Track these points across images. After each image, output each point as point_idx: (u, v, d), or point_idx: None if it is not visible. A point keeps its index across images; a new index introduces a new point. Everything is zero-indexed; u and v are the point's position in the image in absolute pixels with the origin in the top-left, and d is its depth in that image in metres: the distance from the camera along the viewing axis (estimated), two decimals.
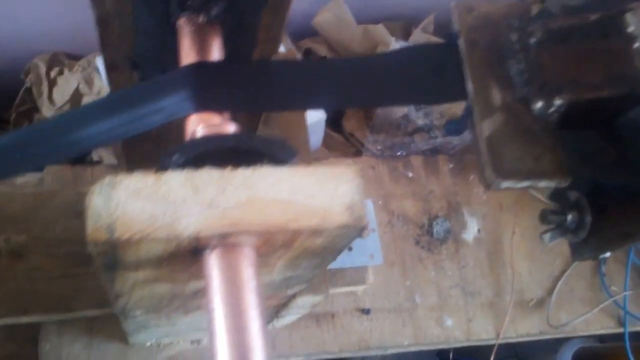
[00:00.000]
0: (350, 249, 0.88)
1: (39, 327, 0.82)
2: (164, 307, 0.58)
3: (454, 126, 1.50)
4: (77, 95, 1.53)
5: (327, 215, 0.38)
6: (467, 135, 1.43)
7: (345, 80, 0.49)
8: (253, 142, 0.40)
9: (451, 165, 1.05)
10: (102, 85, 1.51)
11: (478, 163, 0.47)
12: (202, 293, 0.53)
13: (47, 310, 0.78)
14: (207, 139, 0.42)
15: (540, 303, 0.99)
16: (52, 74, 1.54)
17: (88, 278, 0.80)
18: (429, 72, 0.52)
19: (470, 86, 0.49)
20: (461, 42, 0.52)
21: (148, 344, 0.82)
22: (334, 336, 0.90)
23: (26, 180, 0.89)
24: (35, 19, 1.51)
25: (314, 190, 0.38)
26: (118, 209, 0.35)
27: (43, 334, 0.81)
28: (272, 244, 0.40)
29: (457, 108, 1.50)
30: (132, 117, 0.51)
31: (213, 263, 0.39)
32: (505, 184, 0.46)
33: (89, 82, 1.52)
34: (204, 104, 0.46)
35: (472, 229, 1.01)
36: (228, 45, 0.52)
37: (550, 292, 0.99)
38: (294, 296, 0.62)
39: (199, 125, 0.45)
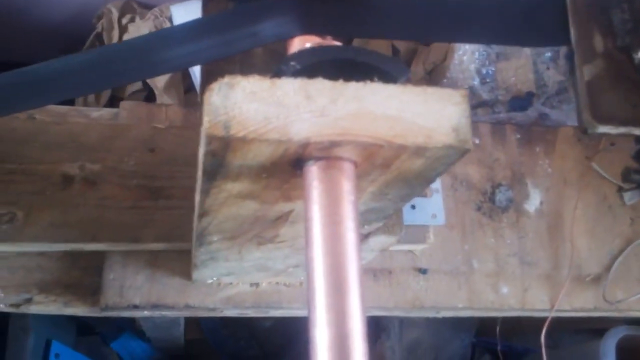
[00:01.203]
0: (413, 207, 0.88)
1: (103, 257, 0.84)
2: (242, 233, 0.59)
3: (519, 103, 1.49)
4: None
5: (433, 134, 0.38)
6: (531, 113, 1.42)
7: (450, 12, 0.49)
8: (368, 55, 0.41)
9: (518, 136, 1.04)
10: None
11: (577, 106, 0.47)
12: (284, 219, 0.54)
13: (115, 239, 0.81)
14: (324, 48, 0.43)
15: (597, 279, 0.98)
16: (124, 20, 1.57)
17: (156, 212, 0.82)
18: (533, 14, 0.51)
19: (573, 31, 0.49)
20: None
21: (209, 281, 0.84)
22: (390, 292, 0.90)
23: (101, 113, 0.91)
24: None
25: (422, 109, 0.38)
26: (235, 108, 0.36)
27: (108, 264, 0.83)
28: (372, 162, 0.41)
29: (522, 85, 1.48)
30: (238, 35, 0.52)
31: (314, 174, 0.40)
32: (602, 128, 0.46)
33: None
34: (308, 27, 0.47)
35: (534, 201, 1.00)
36: None
37: (607, 269, 0.98)
38: (367, 236, 0.63)
39: (306, 43, 0.45)
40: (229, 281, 0.85)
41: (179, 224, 0.83)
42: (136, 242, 0.81)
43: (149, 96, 1.59)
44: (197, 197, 0.48)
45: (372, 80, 0.38)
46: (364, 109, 0.38)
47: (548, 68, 1.49)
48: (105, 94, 1.65)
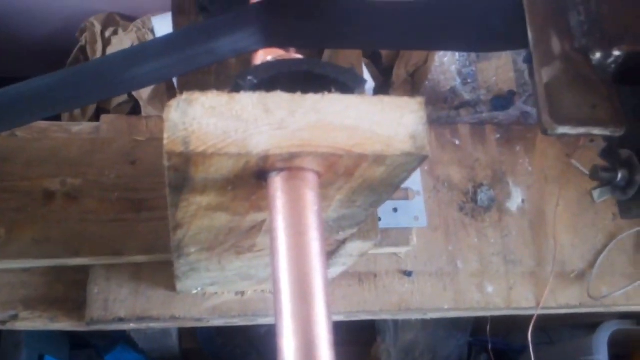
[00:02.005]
0: (395, 210, 0.89)
1: (87, 270, 0.85)
2: (219, 244, 0.59)
3: (500, 102, 1.50)
4: None
5: (391, 142, 0.39)
6: (513, 111, 1.43)
7: (408, 19, 0.50)
8: (324, 67, 0.42)
9: (498, 135, 1.05)
10: None
11: (536, 108, 0.48)
12: (257, 229, 0.55)
13: (98, 253, 0.81)
14: (280, 62, 0.43)
15: (581, 276, 0.99)
16: (107, 33, 1.58)
17: (139, 224, 0.83)
18: (490, 18, 0.52)
19: (531, 34, 0.50)
20: None
21: (194, 291, 0.85)
22: (375, 296, 0.91)
23: (82, 128, 0.92)
24: None
25: (380, 119, 0.39)
26: (194, 124, 0.37)
27: (92, 278, 0.84)
28: (334, 171, 0.41)
29: (503, 84, 1.49)
30: (198, 51, 0.53)
31: (277, 185, 0.40)
32: (562, 129, 0.47)
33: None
34: (272, 39, 0.48)
35: (516, 199, 1.01)
36: None
37: (591, 265, 0.99)
38: (343, 242, 0.63)
39: (268, 56, 0.46)
40: (213, 291, 0.86)
41: (162, 235, 0.83)
42: (119, 255, 0.81)
43: (135, 107, 1.60)
44: (169, 211, 0.49)
45: (329, 91, 0.39)
46: (323, 120, 0.38)
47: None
48: (91, 108, 1.65)
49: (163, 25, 1.45)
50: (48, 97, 0.57)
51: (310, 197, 0.40)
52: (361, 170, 0.41)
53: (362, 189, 0.45)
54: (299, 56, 0.46)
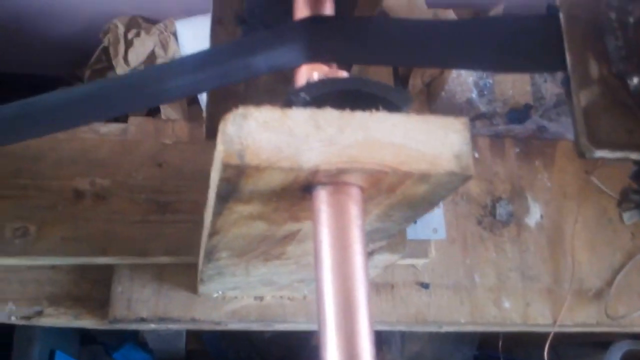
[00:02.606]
0: (414, 221, 0.90)
1: (111, 270, 0.86)
2: (250, 250, 0.61)
3: (517, 115, 1.50)
4: (151, 57, 1.58)
5: (437, 161, 0.40)
6: (529, 125, 1.43)
7: (447, 40, 0.51)
8: (373, 86, 0.43)
9: (517, 150, 1.06)
10: (176, 49, 1.55)
11: (574, 131, 0.49)
12: (291, 238, 0.56)
13: (124, 253, 0.82)
14: (331, 80, 0.45)
15: (599, 294, 0.99)
16: (130, 35, 1.60)
17: (164, 226, 0.84)
18: (528, 41, 0.53)
19: (569, 58, 0.51)
20: (561, 16, 0.53)
21: (215, 295, 0.86)
22: (392, 307, 0.92)
23: (110, 129, 0.93)
24: None
25: (425, 137, 0.40)
26: (248, 138, 0.38)
27: (116, 277, 0.85)
28: (378, 187, 0.42)
29: (520, 97, 1.50)
30: (237, 66, 0.54)
31: (323, 199, 0.42)
32: (599, 153, 0.48)
33: (164, 45, 1.56)
34: (315, 55, 0.49)
35: (534, 214, 1.02)
36: (335, 4, 0.55)
37: (609, 284, 1.00)
38: (372, 253, 0.64)
39: (313, 72, 0.47)
40: (233, 295, 0.87)
41: (186, 237, 0.84)
42: (144, 255, 0.83)
43: (154, 108, 1.61)
44: (209, 218, 0.50)
45: (377, 109, 0.40)
46: (371, 137, 0.39)
47: (545, 81, 1.50)
48: None
49: (186, 29, 1.46)
50: (90, 105, 0.59)
51: (354, 212, 0.41)
52: (404, 187, 0.42)
53: (400, 204, 0.46)
54: (343, 72, 0.47)
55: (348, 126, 0.39)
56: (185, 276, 0.86)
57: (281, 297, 0.88)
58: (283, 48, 0.51)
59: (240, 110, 0.39)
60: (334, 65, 0.50)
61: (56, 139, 0.86)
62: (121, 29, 1.62)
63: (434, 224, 0.92)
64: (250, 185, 0.41)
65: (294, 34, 0.50)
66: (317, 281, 0.41)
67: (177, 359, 1.79)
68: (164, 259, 0.84)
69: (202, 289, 0.81)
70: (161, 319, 0.84)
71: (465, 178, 0.41)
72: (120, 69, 1.61)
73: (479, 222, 1.00)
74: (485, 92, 1.47)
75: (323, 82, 0.44)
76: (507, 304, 0.96)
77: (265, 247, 0.60)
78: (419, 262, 0.93)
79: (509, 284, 0.97)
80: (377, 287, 0.92)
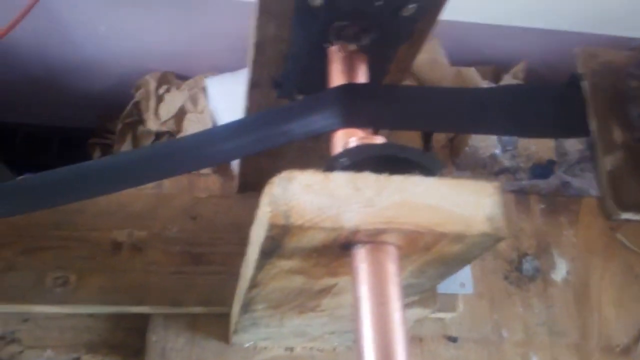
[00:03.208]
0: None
1: (146, 318, 0.88)
2: (287, 302, 0.63)
3: (540, 170, 1.52)
4: (181, 112, 1.63)
5: (471, 222, 0.42)
6: (553, 180, 1.45)
7: (474, 107, 0.54)
8: (408, 151, 0.46)
9: (542, 206, 1.08)
10: (205, 105, 1.61)
11: (600, 194, 0.51)
12: (327, 291, 0.58)
13: (160, 302, 0.85)
14: (370, 147, 0.48)
15: (626, 350, 0.99)
16: (161, 90, 1.66)
17: (198, 277, 0.87)
18: (552, 109, 0.56)
19: (594, 124, 0.53)
20: (585, 84, 0.56)
21: (246, 345, 0.87)
22: None
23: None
24: (151, 39, 1.63)
25: (459, 200, 0.43)
26: (293, 199, 0.41)
27: (151, 326, 0.87)
28: (414, 246, 0.45)
29: (543, 153, 1.52)
30: (275, 132, 0.58)
31: (362, 257, 0.44)
32: (625, 215, 0.50)
33: (194, 101, 1.62)
34: (351, 121, 0.52)
35: (561, 270, 1.03)
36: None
37: (636, 340, 1.00)
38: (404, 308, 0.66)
39: (350, 137, 0.50)
40: (264, 345, 0.88)
41: (219, 288, 0.87)
42: (179, 305, 0.85)
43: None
44: (250, 272, 0.53)
45: (412, 173, 0.43)
46: (407, 199, 0.42)
47: None
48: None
49: (215, 86, 1.52)
50: (141, 169, 0.63)
51: (391, 269, 0.44)
52: (439, 246, 0.44)
53: (435, 262, 0.48)
54: (378, 137, 0.50)
55: (385, 189, 0.42)
56: (218, 326, 0.88)
57: (311, 348, 0.90)
58: (320, 114, 0.54)
59: (285, 174, 0.42)
60: (368, 130, 0.53)
61: None
62: (153, 85, 1.68)
63: (461, 279, 0.93)
64: (294, 243, 0.44)
65: (331, 100, 0.53)
66: (356, 336, 0.43)
67: None
68: (198, 309, 0.86)
69: (234, 338, 0.83)
70: None
71: (498, 239, 0.43)
72: (152, 122, 1.67)
73: (506, 277, 1.02)
74: (509, 148, 1.49)
75: (361, 148, 0.47)
76: (534, 359, 0.97)
77: (302, 300, 0.62)
78: (447, 315, 0.94)
79: (537, 339, 0.98)
80: None
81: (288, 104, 0.60)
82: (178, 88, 1.64)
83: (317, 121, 0.54)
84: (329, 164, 0.47)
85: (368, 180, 0.42)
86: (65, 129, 2.02)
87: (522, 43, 1.49)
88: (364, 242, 0.44)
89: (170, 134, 1.69)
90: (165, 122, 1.64)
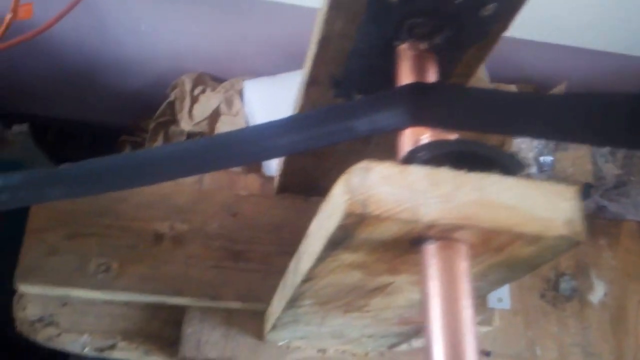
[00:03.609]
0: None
1: (183, 311, 0.88)
2: (336, 300, 0.63)
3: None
4: (215, 113, 1.64)
5: (549, 224, 0.42)
6: (589, 204, 1.43)
7: (542, 112, 0.53)
8: (489, 150, 0.45)
9: None
10: (240, 108, 1.61)
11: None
12: (380, 290, 0.58)
13: (198, 295, 0.85)
14: (450, 142, 0.47)
15: None
16: (196, 91, 1.67)
17: (236, 273, 0.87)
18: (616, 118, 0.55)
19: None
20: None
21: (280, 343, 0.87)
22: None
23: (187, 179, 0.97)
24: (189, 40, 1.64)
25: (538, 202, 0.42)
26: (371, 189, 0.41)
27: (187, 318, 0.87)
28: (486, 245, 0.44)
29: (580, 176, 1.50)
30: (338, 128, 0.58)
31: (433, 253, 0.44)
32: None
33: (229, 104, 1.63)
34: (420, 119, 0.52)
35: (598, 292, 1.02)
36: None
37: None
38: None
39: (420, 135, 0.50)
40: (298, 345, 0.88)
41: (256, 286, 0.87)
42: (217, 299, 0.85)
43: None
44: (308, 264, 0.52)
45: (491, 172, 0.43)
46: (485, 197, 0.42)
47: (607, 161, 1.52)
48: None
49: (253, 90, 1.53)
50: (194, 160, 0.63)
51: (462, 267, 0.43)
52: (512, 247, 0.44)
53: (501, 265, 0.48)
54: (449, 135, 0.50)
55: (464, 185, 0.42)
56: (253, 323, 0.88)
57: (344, 352, 0.89)
58: (387, 112, 0.54)
59: (364, 164, 0.42)
60: (437, 129, 0.52)
61: None
62: (188, 85, 1.69)
63: (499, 293, 0.92)
64: (365, 235, 0.44)
65: (400, 98, 0.53)
66: (426, 332, 0.43)
67: None
68: (235, 304, 0.86)
69: (269, 336, 0.83)
70: None
71: (574, 243, 0.43)
72: (185, 123, 1.68)
73: (542, 296, 1.01)
74: (545, 169, 1.49)
75: (441, 143, 0.47)
76: None
77: (352, 298, 0.62)
78: (483, 329, 0.93)
79: (571, 359, 0.97)
80: None
81: (352, 101, 0.60)
82: (213, 90, 1.65)
83: (383, 119, 0.54)
84: (406, 157, 0.47)
85: (446, 175, 0.42)
86: (96, 125, 2.04)
87: (565, 62, 1.49)
88: (436, 239, 0.44)
89: (203, 135, 1.69)
90: (198, 123, 1.65)
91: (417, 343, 0.80)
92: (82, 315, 0.88)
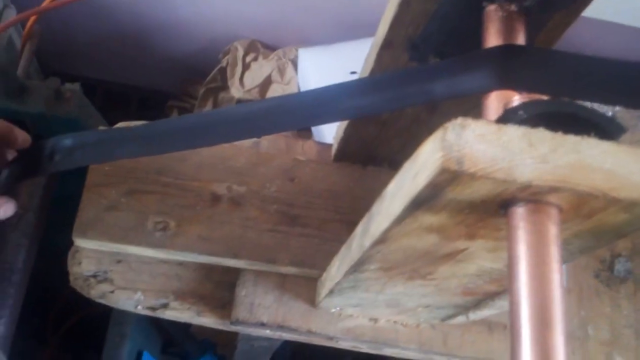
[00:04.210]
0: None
1: (236, 273, 0.89)
2: (402, 266, 0.62)
3: None
4: (267, 81, 1.64)
5: None
6: None
7: (634, 80, 0.52)
8: (590, 112, 0.44)
9: None
10: (292, 76, 1.61)
11: None
12: (451, 257, 0.58)
13: (254, 258, 0.86)
14: (549, 102, 0.46)
15: None
16: (248, 58, 1.67)
17: (292, 238, 0.87)
18: None
19: None
20: None
21: (333, 310, 0.87)
22: (504, 347, 0.91)
23: (244, 141, 0.97)
24: (244, 6, 1.64)
25: (636, 168, 0.41)
26: (466, 147, 0.40)
27: (241, 281, 0.88)
28: (577, 211, 0.43)
29: None
30: (415, 91, 0.57)
31: (522, 216, 0.43)
32: None
33: (281, 72, 1.62)
34: (508, 82, 0.51)
35: None
36: None
37: None
38: None
39: (509, 98, 0.49)
40: (350, 313, 0.88)
41: (312, 251, 0.87)
42: (272, 263, 0.85)
43: None
44: (383, 225, 0.52)
45: (589, 135, 0.42)
46: (582, 160, 0.41)
47: None
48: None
49: (308, 58, 1.52)
50: (269, 119, 0.64)
51: (553, 231, 0.43)
52: (604, 214, 0.43)
53: (587, 233, 0.47)
54: (545, 97, 0.49)
55: (561, 147, 0.41)
56: (306, 288, 0.88)
57: (395, 322, 0.89)
58: (472, 74, 0.53)
59: (460, 120, 0.41)
60: (524, 93, 0.51)
61: None
62: (240, 52, 1.69)
63: None
64: (452, 194, 0.43)
65: (487, 60, 0.52)
66: (511, 297, 0.42)
67: None
68: (290, 269, 0.86)
69: (325, 302, 0.83)
70: (280, 327, 0.86)
71: None
72: (235, 90, 1.68)
73: (597, 276, 0.99)
74: None
75: (540, 103, 0.46)
76: None
77: (420, 264, 0.61)
78: None
79: (623, 340, 0.95)
80: (490, 325, 0.92)
81: (432, 63, 0.59)
82: (266, 57, 1.65)
83: (466, 81, 0.53)
84: (502, 117, 0.46)
85: (544, 136, 0.41)
86: (145, 89, 2.05)
87: (628, 42, 1.45)
88: (527, 201, 0.43)
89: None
90: (249, 90, 1.65)
91: (474, 316, 0.79)
92: (136, 273, 0.89)
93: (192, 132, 0.68)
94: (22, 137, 0.77)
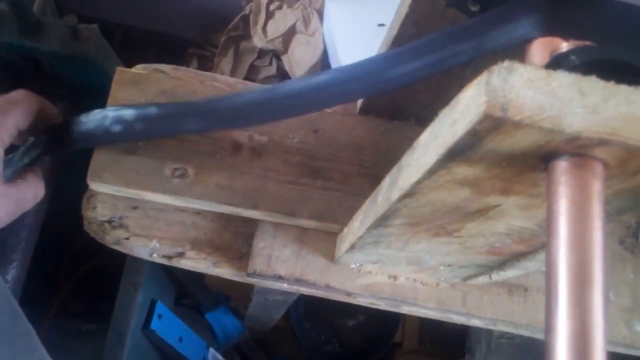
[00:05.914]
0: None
1: (254, 225, 0.87)
2: (429, 221, 0.60)
3: None
4: (291, 31, 1.60)
5: None
6: None
7: None
8: None
9: None
10: (318, 27, 1.57)
11: None
12: (482, 213, 0.55)
13: (273, 209, 0.84)
14: (603, 49, 0.43)
15: None
16: (272, 6, 1.63)
17: (313, 190, 0.85)
18: None
19: None
20: None
21: (352, 266, 0.86)
22: (523, 309, 0.89)
23: None
24: None
25: None
26: (512, 92, 0.37)
27: (259, 232, 0.86)
28: (623, 167, 0.41)
29: None
30: (464, 47, 0.55)
31: (564, 170, 0.41)
32: None
33: (306, 22, 1.58)
34: (555, 28, 0.48)
35: None
36: None
37: None
38: (543, 247, 0.63)
39: (556, 45, 0.46)
40: (369, 269, 0.87)
41: (333, 205, 0.85)
42: (292, 215, 0.84)
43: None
44: (414, 177, 0.50)
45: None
46: (634, 113, 0.38)
47: None
48: (242, 75, 1.70)
49: (336, 8, 1.48)
50: (316, 95, 0.66)
51: (597, 187, 0.40)
52: None
53: (629, 193, 0.45)
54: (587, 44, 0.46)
55: (613, 97, 0.38)
56: (325, 243, 0.86)
57: (414, 280, 0.87)
58: (518, 22, 0.50)
59: (506, 63, 0.38)
60: (571, 40, 0.48)
61: (219, 89, 0.89)
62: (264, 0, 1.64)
63: None
64: (492, 144, 0.41)
65: (538, 5, 0.49)
66: (549, 255, 0.40)
67: (263, 332, 1.82)
68: (310, 223, 0.85)
69: (345, 258, 0.81)
70: (297, 280, 0.85)
71: None
72: (258, 39, 1.65)
73: (621, 242, 0.97)
74: None
75: (593, 49, 0.43)
76: (638, 327, 0.92)
77: (447, 220, 0.59)
78: None
79: None
80: (510, 287, 0.90)
81: (475, 18, 0.56)
82: (290, 6, 1.61)
83: (512, 30, 0.51)
84: (555, 61, 0.43)
85: (595, 85, 0.38)
86: (165, 35, 2.01)
87: None
88: (572, 154, 0.40)
89: (275, 52, 1.66)
90: (272, 40, 1.61)
91: (497, 276, 0.77)
92: (152, 221, 0.88)
93: (258, 108, 0.70)
94: (55, 112, 0.79)
